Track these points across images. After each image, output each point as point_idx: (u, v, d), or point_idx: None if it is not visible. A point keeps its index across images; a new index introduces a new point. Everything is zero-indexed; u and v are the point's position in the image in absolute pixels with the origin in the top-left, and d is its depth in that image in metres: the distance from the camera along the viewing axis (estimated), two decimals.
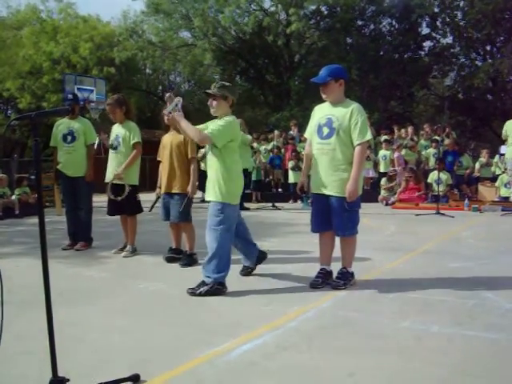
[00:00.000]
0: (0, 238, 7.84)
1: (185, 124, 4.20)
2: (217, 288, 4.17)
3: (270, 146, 15.07)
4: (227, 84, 4.44)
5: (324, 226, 4.39)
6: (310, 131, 4.46)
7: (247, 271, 4.87)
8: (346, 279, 4.30)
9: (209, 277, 4.20)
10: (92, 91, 17.10)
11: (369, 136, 4.20)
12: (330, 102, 4.35)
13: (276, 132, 15.92)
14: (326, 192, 4.28)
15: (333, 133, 4.21)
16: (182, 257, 5.52)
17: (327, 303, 3.90)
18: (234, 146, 4.33)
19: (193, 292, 4.17)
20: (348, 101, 4.32)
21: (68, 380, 2.26)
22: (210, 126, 4.31)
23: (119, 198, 5.84)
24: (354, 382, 2.52)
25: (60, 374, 2.24)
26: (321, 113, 4.39)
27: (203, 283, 4.21)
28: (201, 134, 4.18)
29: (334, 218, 4.27)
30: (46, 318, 2.23)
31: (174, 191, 5.46)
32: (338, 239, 4.41)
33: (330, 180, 4.24)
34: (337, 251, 4.48)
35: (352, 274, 4.38)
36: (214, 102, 4.36)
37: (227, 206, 4.23)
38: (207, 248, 4.27)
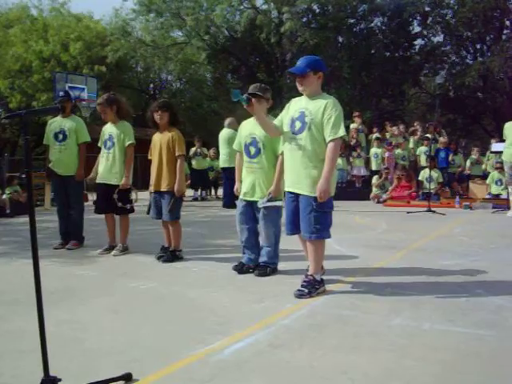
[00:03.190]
0: None
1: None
2: (276, 267, 4.84)
3: None
4: (264, 86, 4.75)
5: (297, 228, 4.15)
6: (280, 120, 4.26)
7: (242, 268, 4.87)
8: (311, 287, 4.02)
9: (274, 262, 4.80)
10: (83, 89, 17.01)
11: (342, 132, 3.89)
12: (306, 95, 4.12)
13: None
14: (296, 190, 4.07)
15: (304, 127, 3.97)
16: (166, 253, 5.53)
17: (320, 301, 3.90)
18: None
19: (264, 273, 4.70)
20: (324, 95, 4.08)
21: (60, 379, 2.25)
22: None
23: (116, 196, 5.81)
24: (347, 379, 2.52)
25: (52, 373, 2.23)
26: (295, 106, 4.16)
27: (262, 266, 4.75)
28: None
29: (301, 218, 4.03)
30: (36, 317, 2.21)
31: (162, 189, 5.46)
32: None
33: (300, 177, 4.01)
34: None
35: (320, 282, 4.10)
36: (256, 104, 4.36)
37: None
38: (265, 239, 4.76)
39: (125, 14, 29.55)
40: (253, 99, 4.26)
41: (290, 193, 4.16)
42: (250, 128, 4.78)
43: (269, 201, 4.59)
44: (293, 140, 4.06)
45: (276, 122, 4.31)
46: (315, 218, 3.95)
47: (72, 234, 6.45)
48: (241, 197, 4.90)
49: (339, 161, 12.69)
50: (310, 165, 3.97)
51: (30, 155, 2.32)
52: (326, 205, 3.97)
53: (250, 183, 4.78)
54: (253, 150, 4.70)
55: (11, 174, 13.78)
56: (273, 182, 4.65)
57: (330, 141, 3.89)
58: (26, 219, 9.89)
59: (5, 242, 7.09)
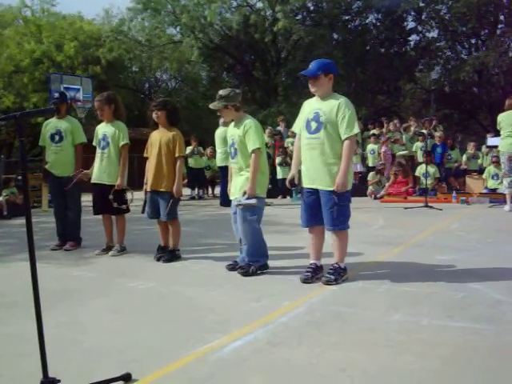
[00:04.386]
0: None
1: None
2: (263, 265, 4.77)
3: None
4: (223, 94, 4.83)
5: (313, 220, 4.39)
6: (299, 125, 4.48)
7: (234, 267, 4.88)
8: (337, 274, 4.28)
9: (257, 261, 4.73)
10: (78, 90, 16.96)
11: (356, 130, 4.20)
12: (318, 96, 4.36)
13: (267, 130, 15.83)
14: (316, 186, 4.31)
15: (321, 127, 4.23)
16: (165, 253, 5.52)
17: (317, 298, 3.91)
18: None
19: (246, 272, 4.65)
20: (336, 95, 4.32)
21: (59, 381, 2.25)
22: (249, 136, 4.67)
23: (111, 197, 5.80)
24: (346, 376, 2.52)
25: (51, 374, 2.23)
26: (309, 107, 4.41)
27: (245, 265, 4.72)
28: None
29: (324, 212, 4.27)
30: (34, 319, 2.21)
31: (161, 189, 5.44)
32: (328, 233, 4.41)
33: (320, 174, 4.26)
34: (329, 246, 4.48)
35: (344, 269, 4.36)
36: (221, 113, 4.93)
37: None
38: (242, 239, 4.75)
39: (116, 14, 29.55)
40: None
41: (308, 189, 4.37)
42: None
43: (246, 199, 4.63)
44: (310, 140, 4.32)
45: (296, 129, 4.58)
46: (337, 211, 4.22)
47: (69, 235, 6.44)
48: (231, 197, 4.96)
49: None
50: (329, 162, 4.23)
51: (26, 157, 2.32)
52: (345, 198, 4.28)
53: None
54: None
55: (8, 176, 13.74)
56: (248, 181, 4.66)
57: (346, 139, 4.17)
58: (22, 221, 9.84)
59: (2, 244, 7.07)
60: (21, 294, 4.10)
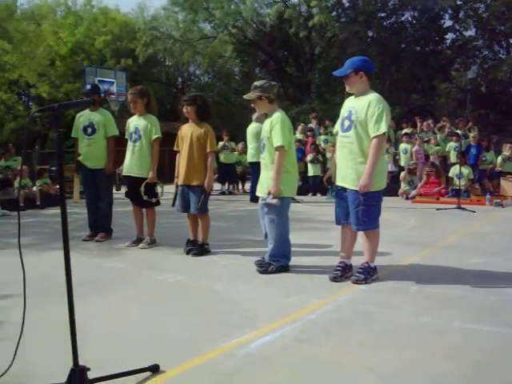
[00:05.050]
0: (21, 228, 7.90)
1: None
2: (283, 266, 4.67)
3: None
4: (259, 84, 4.78)
5: (345, 218, 4.37)
6: (337, 123, 4.49)
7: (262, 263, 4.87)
8: (367, 274, 4.24)
9: (278, 261, 4.65)
10: (112, 83, 17.17)
11: (384, 129, 4.07)
12: (354, 94, 4.33)
13: (300, 126, 15.79)
14: (344, 185, 4.30)
15: (351, 126, 4.20)
16: (195, 246, 5.55)
17: (346, 296, 3.88)
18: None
19: (264, 270, 4.61)
20: (369, 93, 4.24)
21: (89, 369, 2.27)
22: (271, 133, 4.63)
23: (142, 189, 5.84)
24: (374, 376, 2.50)
25: (81, 362, 2.26)
26: (346, 105, 4.38)
27: (265, 263, 4.67)
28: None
29: (351, 211, 4.26)
30: (67, 308, 2.24)
31: (193, 183, 5.47)
32: (360, 232, 4.37)
33: (348, 173, 4.24)
34: (360, 245, 4.45)
35: (374, 269, 4.32)
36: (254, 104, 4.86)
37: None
38: (269, 237, 4.68)
39: (149, 7, 29.94)
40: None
41: (340, 186, 4.37)
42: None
43: (270, 199, 4.57)
44: (342, 138, 4.32)
45: (336, 127, 4.55)
46: (363, 211, 4.17)
47: (100, 227, 6.52)
48: (257, 194, 4.92)
49: None
50: (357, 161, 4.18)
51: (62, 148, 2.35)
52: (373, 198, 4.19)
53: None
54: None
55: (42, 167, 14.01)
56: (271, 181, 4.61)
57: (373, 137, 4.09)
58: (55, 211, 10.03)
59: (35, 233, 7.20)
60: (52, 282, 4.17)
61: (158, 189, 6.04)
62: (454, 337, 3.01)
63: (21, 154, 14.35)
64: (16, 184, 11.41)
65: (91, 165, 6.43)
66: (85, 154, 6.46)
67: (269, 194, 4.57)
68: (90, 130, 6.44)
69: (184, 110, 5.53)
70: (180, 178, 5.57)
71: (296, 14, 25.84)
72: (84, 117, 6.52)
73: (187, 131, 5.56)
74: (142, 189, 5.83)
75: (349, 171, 4.23)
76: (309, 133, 14.90)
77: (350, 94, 4.41)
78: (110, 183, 6.62)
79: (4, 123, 27.77)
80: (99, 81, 16.32)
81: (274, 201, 4.54)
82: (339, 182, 4.37)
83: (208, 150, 5.47)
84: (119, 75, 17.87)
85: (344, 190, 4.32)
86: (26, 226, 7.99)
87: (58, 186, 11.07)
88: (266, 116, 4.87)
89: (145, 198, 5.86)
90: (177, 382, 2.51)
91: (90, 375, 2.27)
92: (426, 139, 14.31)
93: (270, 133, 4.65)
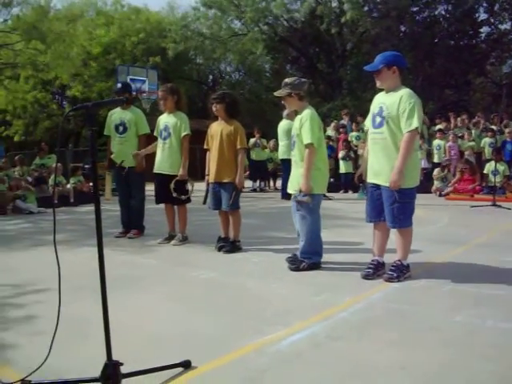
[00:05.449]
0: (56, 226, 8.05)
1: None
2: (315, 263, 4.66)
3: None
4: (289, 81, 4.78)
5: (377, 216, 4.32)
6: (368, 120, 4.44)
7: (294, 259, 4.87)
8: (399, 272, 4.19)
9: (310, 258, 4.64)
10: (144, 81, 17.34)
11: (415, 124, 4.00)
12: (384, 90, 4.28)
13: (332, 123, 15.70)
14: (378, 182, 4.25)
15: (383, 122, 4.16)
16: (227, 243, 5.57)
17: (378, 295, 3.85)
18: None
19: (296, 267, 4.61)
20: (401, 88, 4.17)
21: (122, 364, 2.30)
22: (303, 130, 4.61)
23: (172, 186, 5.88)
24: (406, 375, 2.48)
25: (114, 357, 2.29)
26: (377, 101, 4.32)
27: (296, 260, 4.69)
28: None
29: (386, 208, 4.21)
30: (100, 304, 2.28)
31: (224, 181, 5.48)
32: (392, 230, 4.33)
33: (381, 169, 4.19)
34: (392, 242, 4.40)
35: (407, 267, 4.27)
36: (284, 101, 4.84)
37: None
38: (300, 233, 4.68)
39: (180, 5, 30.17)
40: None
41: (372, 183, 4.33)
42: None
43: (302, 196, 4.56)
44: (374, 134, 4.26)
45: (367, 123, 4.52)
46: (398, 209, 4.13)
47: (133, 223, 6.60)
48: (288, 191, 4.93)
49: None
50: (391, 157, 4.14)
51: (95, 146, 2.38)
52: (408, 195, 4.15)
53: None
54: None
55: (75, 165, 14.23)
56: (301, 178, 4.58)
57: (405, 133, 4.03)
58: (89, 208, 10.20)
59: (69, 230, 7.34)
60: (86, 278, 4.23)
61: (189, 186, 6.06)
62: (488, 336, 2.96)
63: (55, 152, 14.62)
64: (50, 181, 11.63)
65: (123, 163, 6.48)
66: (117, 152, 6.54)
67: (300, 191, 4.56)
68: (121, 128, 6.52)
69: (213, 108, 5.56)
70: (211, 176, 5.60)
71: (328, 11, 25.68)
72: (116, 115, 6.59)
73: (217, 129, 5.58)
74: (172, 185, 5.86)
75: (383, 168, 4.18)
76: (341, 129, 14.81)
77: (381, 90, 4.35)
78: (141, 181, 6.68)
79: (38, 122, 28.31)
80: (131, 79, 16.51)
81: (305, 198, 4.52)
82: (372, 179, 4.32)
83: (238, 146, 5.49)
84: (151, 73, 18.04)
85: (376, 187, 4.28)
86: (61, 223, 8.14)
87: (91, 184, 11.26)
88: (296, 113, 4.85)
89: (174, 195, 5.89)
90: (208, 377, 2.52)
91: (123, 370, 2.30)
92: (460, 135, 14.08)
93: (299, 130, 4.63)
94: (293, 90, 4.72)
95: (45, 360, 2.40)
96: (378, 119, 4.21)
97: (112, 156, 6.59)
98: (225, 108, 5.52)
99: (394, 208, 4.13)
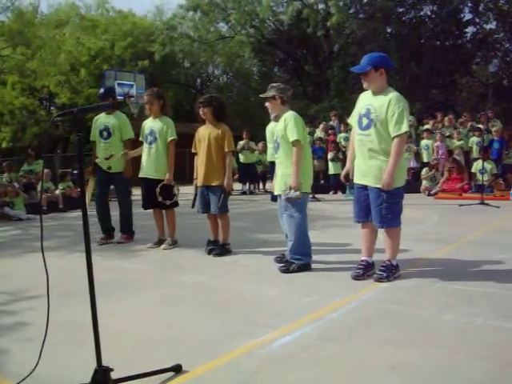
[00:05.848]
0: (44, 231, 8.02)
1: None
2: (305, 264, 4.66)
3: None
4: (275, 84, 4.91)
5: (365, 216, 4.33)
6: (354, 119, 4.45)
7: (282, 259, 4.89)
8: (389, 272, 4.21)
9: (300, 258, 4.64)
10: (132, 86, 17.29)
11: (405, 128, 4.05)
12: (371, 91, 4.27)
13: (321, 125, 15.72)
14: (365, 183, 4.26)
15: (371, 124, 4.17)
16: (216, 246, 5.56)
17: (368, 295, 3.86)
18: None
19: (286, 269, 4.62)
20: (388, 90, 4.19)
21: (112, 369, 2.29)
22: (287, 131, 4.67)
23: (158, 190, 5.86)
24: (397, 375, 2.48)
25: (104, 363, 2.28)
26: (363, 102, 4.33)
27: (286, 262, 4.72)
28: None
29: (373, 209, 4.23)
30: (89, 309, 2.27)
31: (213, 184, 5.48)
32: (381, 230, 4.34)
33: (368, 170, 4.21)
34: (381, 242, 4.42)
35: (397, 267, 4.29)
36: (267, 104, 4.87)
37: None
38: (288, 233, 4.70)
39: (168, 9, 30.08)
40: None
41: (359, 184, 4.35)
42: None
43: (293, 193, 4.57)
44: (361, 136, 4.27)
45: (352, 122, 4.55)
46: (386, 209, 4.15)
47: (122, 229, 6.57)
48: (274, 192, 4.97)
49: None
50: (379, 158, 4.16)
51: (82, 151, 2.37)
52: (395, 195, 4.18)
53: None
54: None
55: (64, 170, 14.15)
56: (291, 175, 4.61)
57: (395, 137, 4.06)
58: (78, 214, 10.11)
59: (59, 236, 7.29)
60: (77, 284, 4.19)
61: (175, 190, 6.04)
62: (479, 334, 2.98)
63: (42, 157, 14.52)
64: (39, 187, 11.55)
65: (108, 168, 6.42)
66: (101, 158, 6.46)
67: (290, 188, 4.57)
68: (105, 133, 6.45)
69: (200, 111, 5.56)
70: (199, 180, 5.59)
71: (313, 14, 25.72)
72: (100, 120, 6.53)
73: (204, 133, 5.58)
74: (158, 190, 5.85)
75: (370, 169, 4.20)
76: (330, 131, 14.84)
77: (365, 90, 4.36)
78: (127, 186, 6.63)
79: (26, 128, 28.14)
80: (119, 84, 16.46)
81: (296, 194, 4.54)
82: (359, 180, 4.34)
83: (226, 149, 5.50)
84: (138, 78, 18.00)
85: (364, 187, 4.29)
86: (50, 230, 8.10)
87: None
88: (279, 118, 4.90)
89: (159, 199, 5.88)
90: (200, 381, 2.52)
91: (114, 375, 2.29)
92: (448, 134, 14.15)
93: (284, 131, 4.67)
94: (277, 92, 4.79)
95: (35, 367, 2.39)
96: (366, 121, 4.21)
97: (97, 160, 6.51)
98: (212, 111, 5.52)
99: (382, 208, 4.15)
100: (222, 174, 5.48)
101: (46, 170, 12.28)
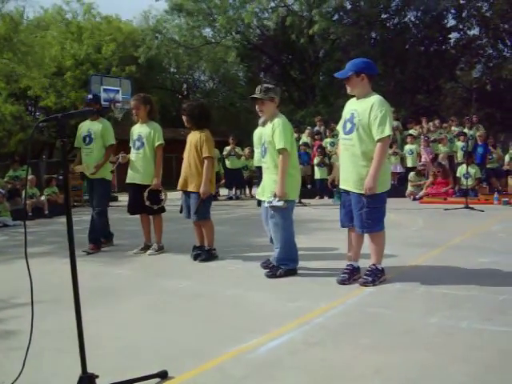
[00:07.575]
0: (30, 237, 7.93)
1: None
2: (291, 269, 4.68)
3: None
4: (271, 86, 4.84)
5: (350, 221, 4.34)
6: (340, 125, 4.48)
7: (268, 265, 4.89)
8: (374, 276, 4.23)
9: (286, 264, 4.66)
10: (118, 91, 17.23)
11: (387, 132, 4.05)
12: (355, 97, 4.31)
13: (307, 130, 15.77)
14: (347, 188, 4.29)
15: (353, 128, 4.19)
16: (201, 252, 5.56)
17: (354, 299, 3.88)
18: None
19: (273, 274, 4.63)
20: (371, 95, 4.21)
21: (97, 376, 2.29)
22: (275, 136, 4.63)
23: (146, 195, 5.85)
24: (381, 379, 2.50)
25: (89, 370, 2.27)
26: (348, 107, 4.36)
27: (278, 267, 4.69)
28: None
29: (354, 214, 4.25)
30: (74, 316, 2.26)
31: (189, 190, 5.49)
32: (366, 235, 4.36)
33: (350, 176, 4.24)
34: (367, 247, 4.44)
35: (382, 271, 4.31)
36: (262, 106, 4.77)
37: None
38: (274, 240, 4.71)
39: (154, 15, 30.00)
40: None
41: (344, 189, 4.37)
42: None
43: (276, 201, 4.55)
44: (344, 140, 4.31)
45: (339, 127, 4.58)
46: (366, 214, 4.15)
47: (90, 237, 6.40)
48: (257, 197, 4.96)
49: None
50: (359, 164, 4.17)
51: (67, 157, 2.37)
52: (377, 201, 4.17)
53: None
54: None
55: (49, 176, 14.07)
56: (277, 183, 4.59)
57: (378, 140, 4.07)
58: (64, 220, 10.07)
59: (47, 243, 7.25)
60: (60, 291, 4.18)
61: (162, 196, 6.02)
62: (463, 337, 3.00)
63: (27, 163, 14.42)
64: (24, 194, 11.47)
65: (90, 174, 6.36)
66: (84, 164, 6.41)
67: (274, 196, 4.56)
68: (87, 139, 6.43)
69: (184, 118, 5.60)
70: (179, 184, 5.62)
71: (297, 21, 25.83)
72: (84, 127, 6.52)
73: (190, 138, 5.64)
74: (146, 194, 5.84)
75: (351, 174, 4.23)
76: (316, 136, 14.89)
77: (353, 96, 4.39)
78: (104, 193, 6.59)
79: (12, 134, 27.91)
80: (105, 89, 16.39)
81: (280, 203, 4.53)
82: (342, 185, 4.37)
83: (203, 155, 5.47)
84: (124, 83, 17.93)
85: (347, 192, 4.32)
86: (38, 236, 8.05)
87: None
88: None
89: (147, 203, 5.86)
90: None
91: (99, 382, 2.28)
92: (439, 138, 14.25)
93: (271, 137, 4.65)
94: (275, 95, 4.77)
95: (19, 375, 2.37)
96: (349, 125, 4.24)
97: (78, 166, 6.45)
98: (192, 119, 5.54)
99: (362, 213, 4.16)
100: (199, 180, 5.45)
101: (30, 176, 12.20)
